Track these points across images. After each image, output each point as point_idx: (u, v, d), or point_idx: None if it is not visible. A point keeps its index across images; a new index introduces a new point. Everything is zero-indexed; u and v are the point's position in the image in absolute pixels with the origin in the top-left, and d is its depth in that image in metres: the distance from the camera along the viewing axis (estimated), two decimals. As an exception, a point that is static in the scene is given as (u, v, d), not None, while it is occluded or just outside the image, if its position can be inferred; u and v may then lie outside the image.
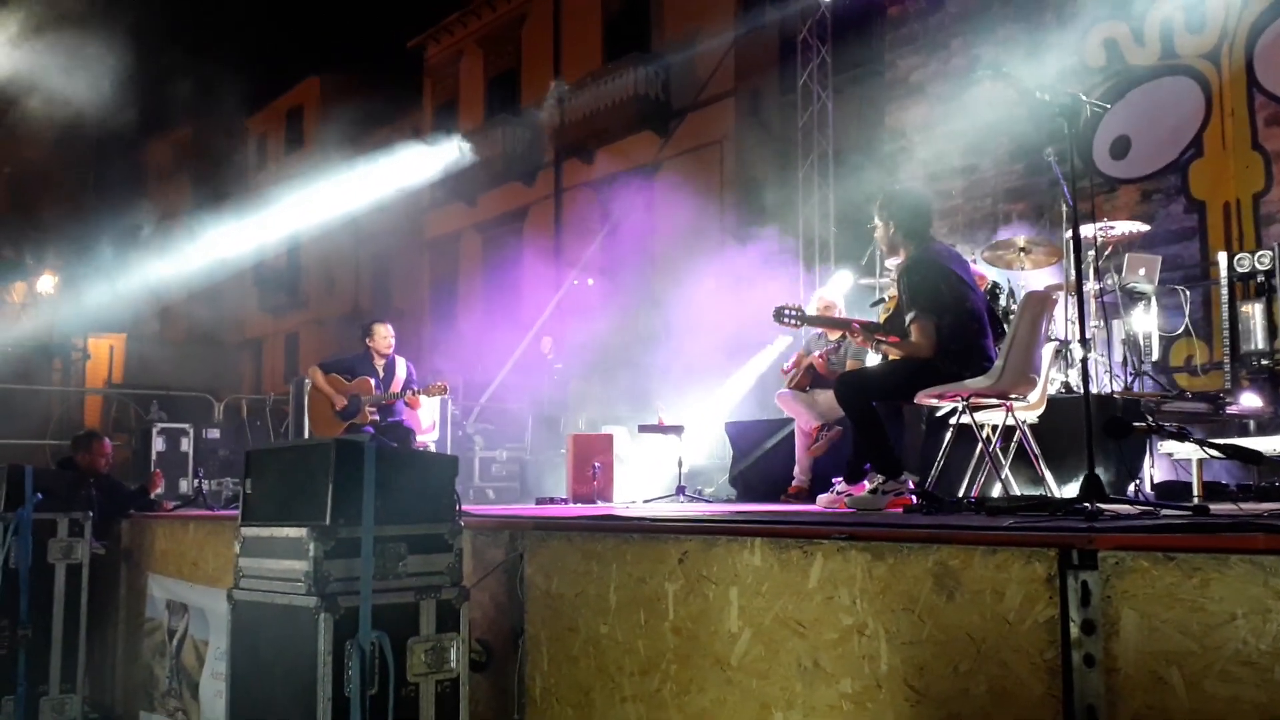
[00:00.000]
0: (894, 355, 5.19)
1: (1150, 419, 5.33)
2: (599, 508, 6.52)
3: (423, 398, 8.07)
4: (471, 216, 24.11)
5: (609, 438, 8.13)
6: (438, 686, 3.51)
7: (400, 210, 23.53)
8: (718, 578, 3.30)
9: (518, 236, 22.77)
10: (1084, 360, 3.74)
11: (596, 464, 7.64)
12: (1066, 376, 6.49)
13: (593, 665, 3.67)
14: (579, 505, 7.19)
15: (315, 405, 8.22)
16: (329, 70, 29.83)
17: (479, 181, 22.95)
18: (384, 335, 8.25)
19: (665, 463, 8.50)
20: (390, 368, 8.26)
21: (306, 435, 9.00)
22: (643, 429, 8.36)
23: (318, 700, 3.23)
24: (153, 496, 8.05)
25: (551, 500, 7.87)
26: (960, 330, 4.97)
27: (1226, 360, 7.37)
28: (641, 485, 8.57)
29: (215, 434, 11.46)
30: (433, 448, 8.91)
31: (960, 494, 5.06)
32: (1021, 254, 6.95)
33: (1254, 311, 7.30)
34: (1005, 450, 5.22)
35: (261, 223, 20.60)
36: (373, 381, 8.10)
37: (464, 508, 3.83)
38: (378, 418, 7.99)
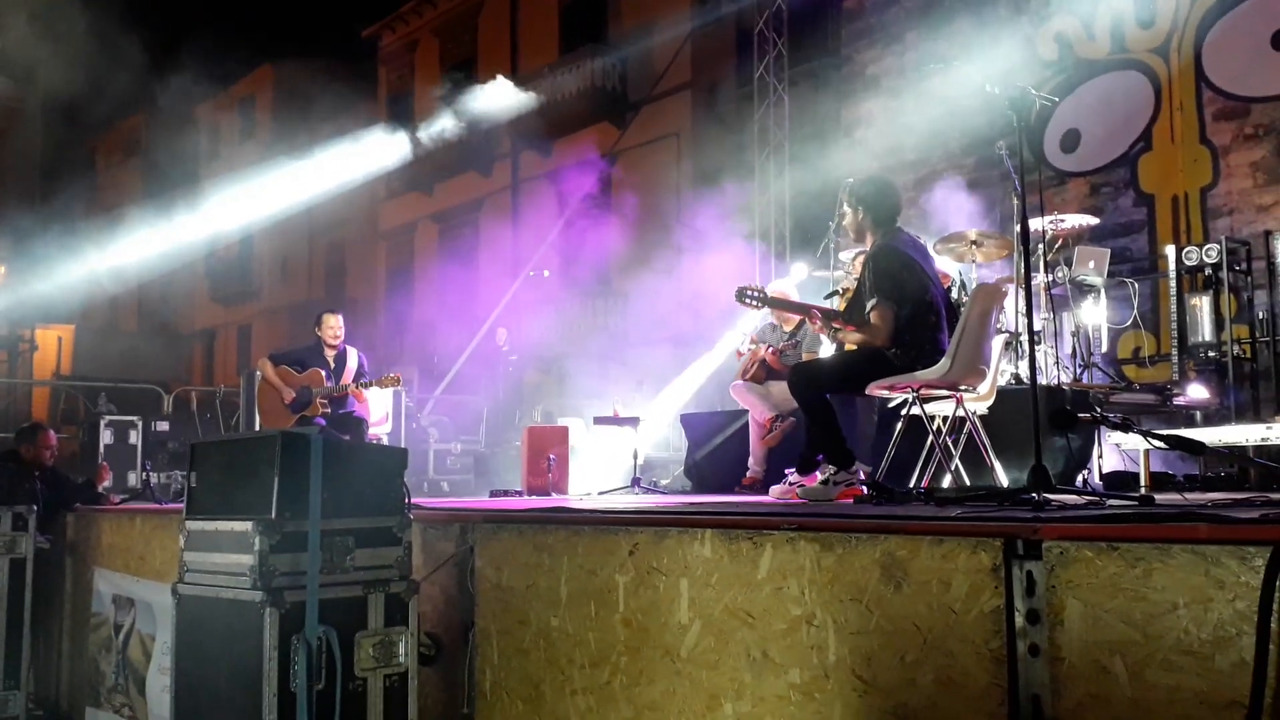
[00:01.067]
0: (850, 343, 5.20)
1: (1097, 410, 5.39)
2: (552, 500, 6.50)
3: (375, 389, 7.99)
4: (428, 206, 23.98)
5: (564, 430, 8.09)
6: (386, 681, 3.47)
7: (355, 200, 23.35)
8: (668, 569, 3.29)
9: (474, 227, 22.68)
10: (1031, 353, 3.76)
11: (551, 456, 7.60)
12: (1017, 368, 6.55)
13: (543, 658, 3.66)
14: (533, 497, 7.16)
15: (265, 397, 8.12)
16: (282, 59, 29.48)
17: (435, 172, 22.84)
18: (332, 326, 8.16)
19: (621, 454, 8.49)
20: (341, 359, 8.17)
21: (257, 428, 8.89)
22: (598, 421, 8.34)
23: (263, 695, 3.19)
24: (100, 489, 7.92)
25: (506, 493, 7.83)
26: (918, 321, 4.99)
27: (1174, 352, 7.46)
28: (597, 477, 8.56)
29: (164, 426, 11.27)
30: (385, 440, 8.84)
31: (911, 484, 5.09)
32: (973, 246, 6.99)
33: (1202, 304, 7.39)
34: (956, 441, 5.25)
35: (213, 212, 20.36)
36: (323, 373, 8.01)
37: (414, 500, 3.80)
38: (329, 409, 7.91)
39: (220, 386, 14.00)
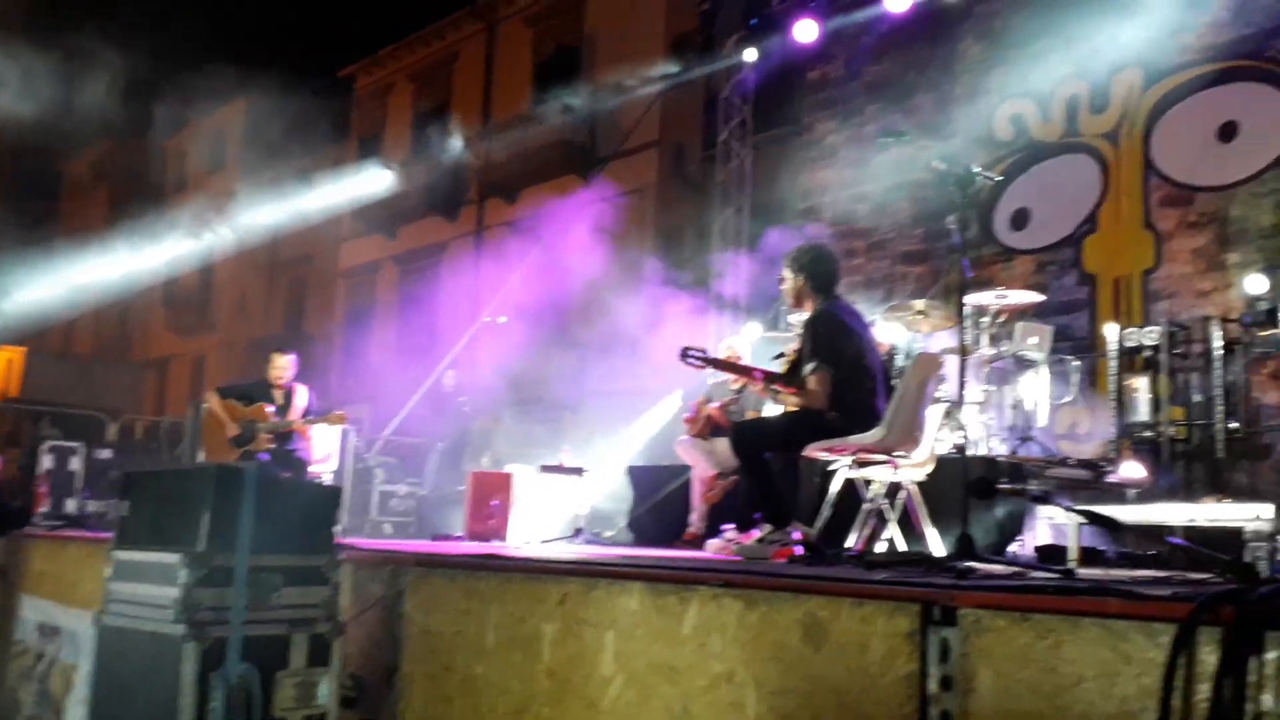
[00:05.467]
0: (790, 405, 5.28)
1: (1030, 482, 5.48)
2: (487, 546, 6.48)
3: (321, 426, 7.96)
4: (390, 248, 24.00)
5: (508, 476, 8.08)
6: (305, 721, 3.46)
7: (318, 238, 23.35)
8: (595, 621, 3.30)
9: (436, 271, 22.69)
10: (960, 425, 3.84)
11: (495, 502, 7.59)
12: (958, 437, 6.63)
13: (466, 705, 3.65)
14: (474, 543, 7.14)
15: (210, 430, 8.06)
16: (256, 94, 29.47)
17: (400, 214, 22.91)
18: (278, 366, 8.14)
19: (568, 504, 8.47)
20: (290, 395, 8.14)
21: (201, 460, 8.80)
22: (544, 469, 8.33)
23: (178, 731, 3.17)
24: (35, 516, 7.80)
25: (447, 537, 7.80)
26: (854, 386, 5.09)
27: (1111, 430, 7.59)
28: (542, 526, 8.52)
29: (107, 454, 11.09)
30: (329, 478, 8.78)
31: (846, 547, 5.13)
32: (919, 317, 7.12)
33: (1139, 385, 7.54)
34: (894, 506, 5.31)
35: (175, 243, 20.26)
36: (270, 408, 7.98)
37: (347, 541, 3.80)
38: (274, 446, 7.86)
39: (167, 416, 13.85)
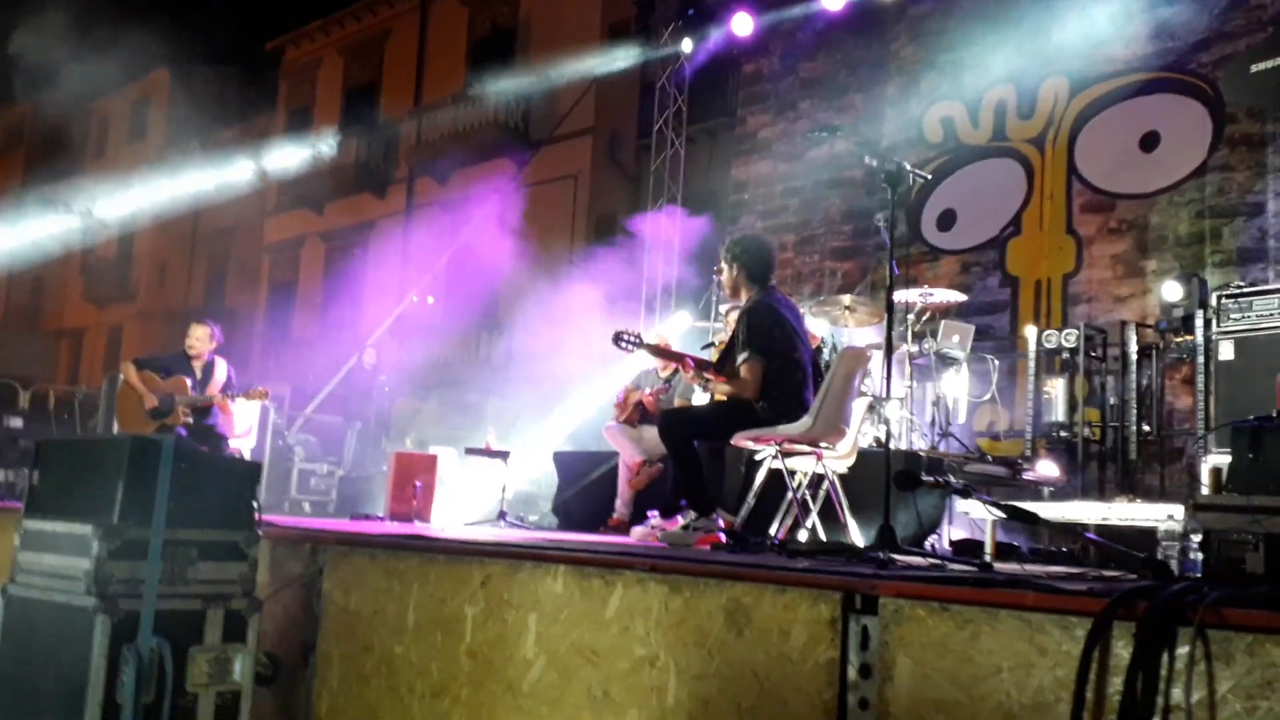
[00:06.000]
0: (720, 394, 5.31)
1: (951, 476, 5.57)
2: (409, 527, 6.42)
3: (241, 402, 7.81)
4: (317, 224, 23.63)
5: (433, 458, 8.01)
6: (218, 698, 3.39)
7: (243, 211, 22.91)
8: (518, 603, 3.29)
9: (363, 248, 22.40)
10: (884, 419, 3.90)
11: (418, 483, 7.51)
12: (879, 431, 6.73)
13: (384, 685, 3.61)
14: (395, 524, 7.07)
15: (126, 402, 7.87)
16: (181, 63, 28.77)
17: (328, 189, 22.57)
18: (195, 336, 7.97)
19: (491, 487, 8.42)
20: (209, 369, 7.97)
21: (115, 432, 8.59)
22: (469, 451, 8.27)
23: (87, 705, 3.09)
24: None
25: (367, 517, 7.71)
26: (784, 377, 5.12)
27: (1028, 429, 7.77)
28: (465, 508, 8.47)
29: (18, 423, 10.84)
30: (248, 455, 8.61)
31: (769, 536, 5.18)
32: (846, 312, 7.21)
33: (1057, 386, 7.72)
34: (816, 497, 5.37)
35: (95, 210, 19.73)
36: (189, 382, 7.81)
37: (267, 518, 3.73)
38: (191, 420, 7.70)
39: (82, 387, 13.49)
